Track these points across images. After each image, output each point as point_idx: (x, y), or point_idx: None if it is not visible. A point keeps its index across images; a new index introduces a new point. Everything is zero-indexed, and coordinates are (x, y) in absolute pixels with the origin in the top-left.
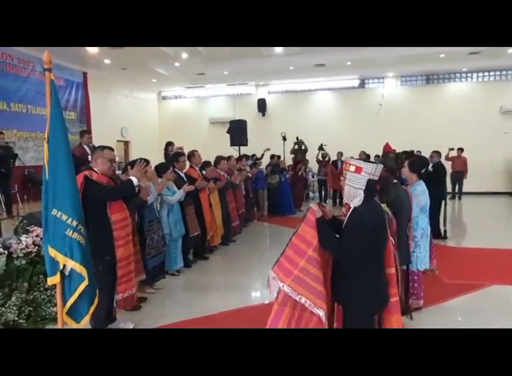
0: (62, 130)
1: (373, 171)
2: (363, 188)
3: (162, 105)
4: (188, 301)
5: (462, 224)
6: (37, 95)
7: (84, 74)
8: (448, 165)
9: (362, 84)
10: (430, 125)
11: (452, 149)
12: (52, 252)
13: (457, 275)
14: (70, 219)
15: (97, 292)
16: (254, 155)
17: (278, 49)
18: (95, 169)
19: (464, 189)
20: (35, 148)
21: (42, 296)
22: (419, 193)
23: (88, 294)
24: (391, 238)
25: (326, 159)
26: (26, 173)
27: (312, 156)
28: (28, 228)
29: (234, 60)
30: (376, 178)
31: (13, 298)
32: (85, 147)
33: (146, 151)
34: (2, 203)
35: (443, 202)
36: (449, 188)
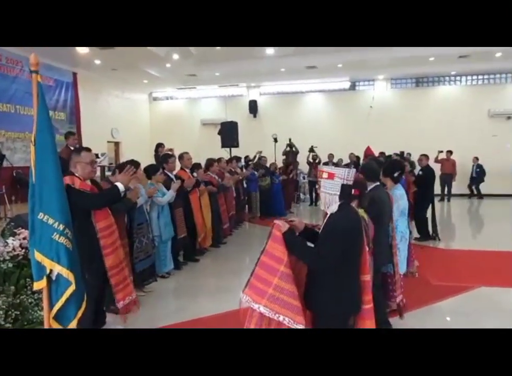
0: (49, 132)
1: (345, 175)
2: (338, 193)
3: (153, 106)
4: (178, 304)
5: (451, 226)
6: (26, 95)
7: (74, 74)
8: (436, 168)
9: (353, 87)
10: (419, 128)
11: (441, 152)
12: (38, 256)
13: (446, 277)
14: (57, 223)
15: (85, 296)
16: (247, 156)
17: (270, 51)
18: (76, 174)
19: (452, 191)
20: (23, 149)
21: (29, 300)
22: (399, 197)
23: (75, 298)
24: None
25: (317, 161)
26: (14, 174)
27: (302, 158)
28: (15, 230)
29: (225, 62)
30: (350, 182)
31: None
32: (71, 148)
33: (137, 152)
34: None
35: (431, 204)
36: (437, 190)
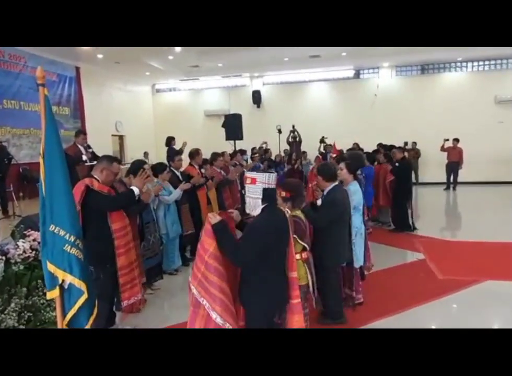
0: (57, 145)
1: (266, 179)
2: (261, 197)
3: (156, 98)
4: (187, 301)
5: (457, 215)
6: (30, 91)
7: (77, 68)
8: (444, 156)
9: (357, 75)
10: (425, 115)
11: (447, 140)
12: (51, 267)
13: (452, 271)
14: (68, 235)
15: (96, 302)
16: (254, 148)
17: None
18: (95, 177)
19: (459, 179)
20: (29, 145)
21: (41, 301)
22: (352, 193)
23: (87, 306)
24: (304, 243)
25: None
26: (21, 170)
27: (308, 148)
28: (25, 232)
29: (228, 52)
30: (272, 186)
31: (12, 304)
32: (79, 146)
33: (141, 144)
34: None
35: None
36: (444, 178)
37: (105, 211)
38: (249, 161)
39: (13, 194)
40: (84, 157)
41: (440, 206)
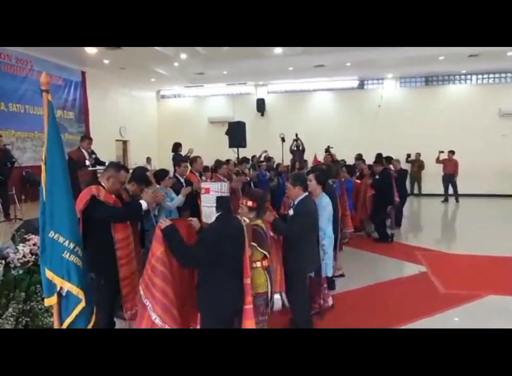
0: (59, 152)
1: (219, 188)
2: (215, 205)
3: (161, 104)
4: None
5: (459, 228)
6: (35, 95)
7: (83, 73)
8: (439, 168)
9: (361, 85)
10: (429, 127)
11: (442, 152)
12: (49, 275)
13: (454, 284)
14: (67, 241)
15: (94, 310)
16: (254, 156)
17: (278, 50)
18: (102, 184)
19: (462, 191)
20: (33, 148)
21: (39, 306)
22: (325, 205)
23: (85, 314)
24: (264, 251)
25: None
26: (24, 173)
27: (311, 157)
28: (25, 236)
29: (233, 61)
30: (224, 194)
31: (10, 309)
32: (83, 151)
33: (144, 150)
34: (0, 206)
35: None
36: (441, 190)
37: (108, 222)
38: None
39: (15, 196)
40: (87, 162)
41: (443, 218)
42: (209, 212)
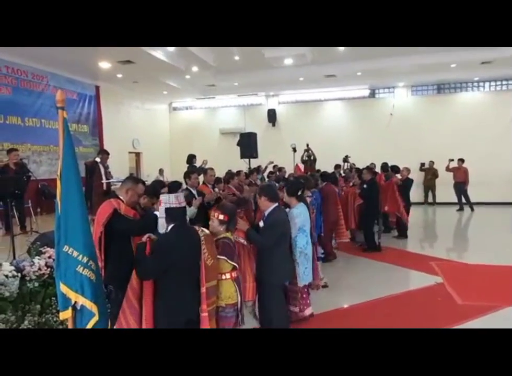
0: (74, 167)
1: (168, 200)
2: (164, 216)
3: (173, 116)
4: None
5: (474, 236)
6: (51, 109)
7: (97, 87)
8: (450, 176)
9: (372, 94)
10: (441, 135)
11: (452, 160)
12: (64, 289)
13: (472, 296)
14: (81, 255)
15: (108, 323)
16: (259, 167)
17: (288, 61)
18: (121, 197)
19: (476, 199)
20: (48, 161)
21: (54, 319)
22: (295, 216)
23: (99, 327)
24: (233, 263)
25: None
26: (39, 186)
27: (323, 167)
28: (41, 249)
29: (244, 72)
30: (174, 205)
31: (26, 322)
32: (99, 165)
33: (157, 161)
34: (16, 219)
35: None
36: (454, 198)
37: (130, 235)
38: (261, 180)
39: (31, 209)
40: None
41: (457, 227)
42: (162, 223)
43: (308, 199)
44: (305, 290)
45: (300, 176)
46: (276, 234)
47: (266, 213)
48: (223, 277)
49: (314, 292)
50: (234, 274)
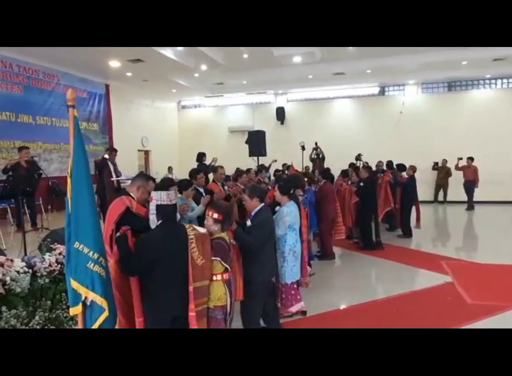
0: (84, 165)
1: (159, 197)
2: (155, 213)
3: (181, 114)
4: None
5: (485, 236)
6: (62, 108)
7: (107, 86)
8: (460, 175)
9: (382, 92)
10: (452, 133)
11: (461, 158)
12: (74, 284)
13: (482, 295)
14: (91, 252)
15: (117, 320)
16: (262, 165)
17: (297, 59)
18: (132, 195)
19: (487, 198)
20: (59, 159)
21: (64, 315)
22: (285, 214)
23: (108, 323)
24: (226, 265)
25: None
26: (50, 184)
27: (331, 165)
28: (51, 246)
29: (252, 70)
30: (164, 202)
31: (36, 317)
32: (108, 162)
33: (166, 159)
34: (28, 216)
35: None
36: (464, 197)
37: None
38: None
39: (42, 206)
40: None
41: (467, 225)
42: (152, 219)
43: (300, 198)
44: (294, 286)
45: (292, 175)
46: (264, 234)
47: (252, 213)
48: (214, 278)
49: (318, 291)
50: (225, 276)
